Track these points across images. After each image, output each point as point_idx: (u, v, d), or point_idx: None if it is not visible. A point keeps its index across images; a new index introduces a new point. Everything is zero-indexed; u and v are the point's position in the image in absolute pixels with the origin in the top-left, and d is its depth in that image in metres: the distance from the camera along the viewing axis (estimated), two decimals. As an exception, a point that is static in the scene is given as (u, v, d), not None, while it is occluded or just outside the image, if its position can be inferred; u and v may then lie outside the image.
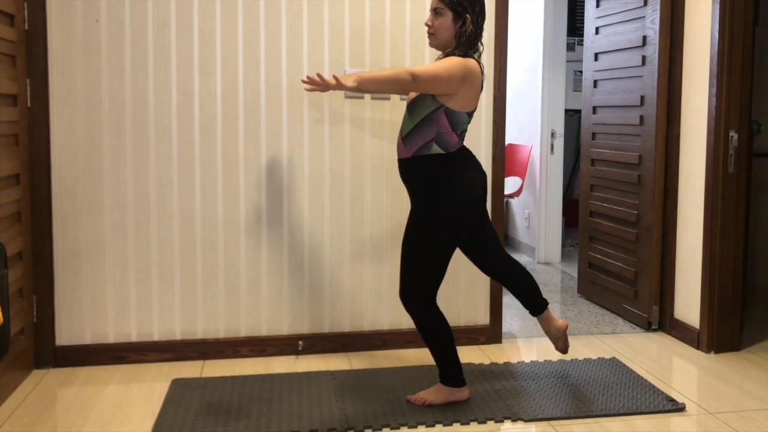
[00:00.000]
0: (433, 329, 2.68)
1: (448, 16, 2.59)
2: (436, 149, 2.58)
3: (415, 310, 2.66)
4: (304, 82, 2.44)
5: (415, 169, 2.62)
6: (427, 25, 2.64)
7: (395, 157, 3.33)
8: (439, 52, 2.72)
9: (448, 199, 2.59)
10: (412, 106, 2.61)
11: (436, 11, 2.61)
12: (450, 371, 2.74)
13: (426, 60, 3.33)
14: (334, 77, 2.36)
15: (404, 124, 2.64)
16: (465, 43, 2.60)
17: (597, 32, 4.27)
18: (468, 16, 2.58)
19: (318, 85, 2.40)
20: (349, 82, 2.35)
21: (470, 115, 2.64)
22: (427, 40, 2.69)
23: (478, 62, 2.63)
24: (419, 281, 2.64)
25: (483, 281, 3.49)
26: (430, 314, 2.67)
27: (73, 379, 3.04)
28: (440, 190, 2.58)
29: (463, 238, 2.69)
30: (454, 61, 2.53)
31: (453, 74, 2.50)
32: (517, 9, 5.61)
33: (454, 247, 2.66)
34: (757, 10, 3.84)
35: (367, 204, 3.37)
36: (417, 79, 2.45)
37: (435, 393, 2.75)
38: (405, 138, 2.62)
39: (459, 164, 2.62)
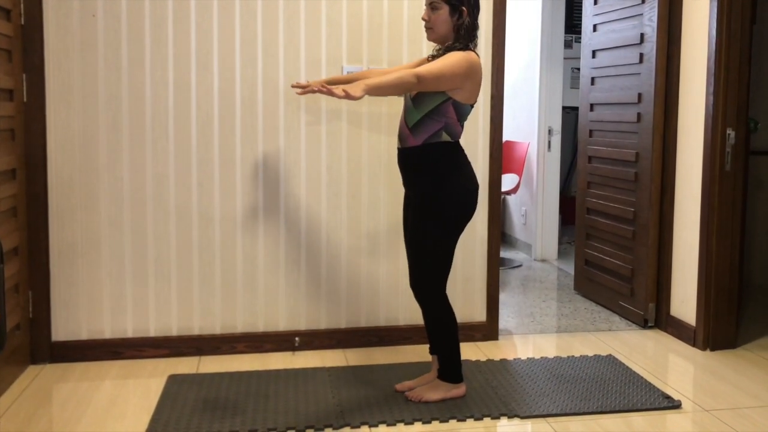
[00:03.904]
0: (444, 320, 2.71)
1: (445, 9, 2.59)
2: (445, 137, 2.62)
3: (429, 299, 2.69)
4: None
5: (424, 156, 2.62)
6: (424, 19, 2.65)
7: (392, 152, 3.33)
8: (437, 45, 2.72)
9: (459, 184, 2.62)
10: (418, 98, 2.60)
11: (432, 5, 2.61)
12: (452, 367, 2.75)
13: (423, 55, 3.32)
14: (343, 89, 2.34)
15: (409, 114, 2.63)
16: (464, 36, 2.61)
17: (595, 29, 4.27)
18: (464, 8, 2.59)
19: (325, 94, 2.36)
20: (358, 92, 2.33)
21: (472, 106, 2.68)
22: (425, 35, 2.69)
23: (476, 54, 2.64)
24: (434, 269, 2.66)
25: (479, 278, 3.50)
26: (443, 304, 2.70)
27: (69, 374, 3.03)
28: (451, 176, 2.62)
29: (465, 225, 2.71)
30: (456, 57, 2.54)
31: (456, 71, 2.52)
32: (514, 6, 5.60)
33: (460, 233, 2.69)
34: (755, 8, 3.85)
35: (364, 201, 3.37)
36: (422, 80, 2.46)
37: (433, 390, 2.76)
38: (412, 128, 2.62)
39: (463, 153, 2.68)
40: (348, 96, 2.27)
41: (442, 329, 2.72)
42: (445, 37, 2.63)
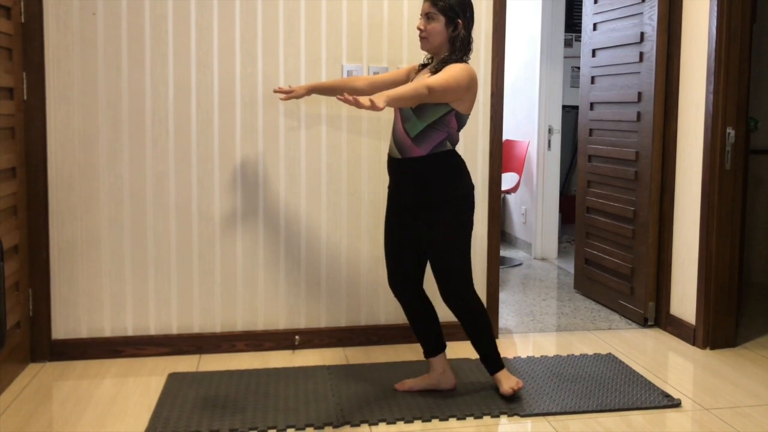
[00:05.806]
0: (483, 318, 2.74)
1: (441, 21, 2.61)
2: (448, 146, 2.66)
3: (467, 299, 2.71)
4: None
5: (431, 165, 2.64)
6: (419, 29, 2.66)
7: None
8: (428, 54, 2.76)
9: (465, 186, 2.67)
10: (421, 109, 2.60)
11: (428, 16, 2.63)
12: (497, 354, 2.79)
13: (422, 56, 3.32)
14: (369, 99, 2.32)
15: (411, 124, 2.63)
16: (461, 48, 2.64)
17: (595, 28, 4.27)
18: (460, 21, 2.62)
19: (351, 104, 2.36)
20: (381, 104, 2.34)
21: (468, 116, 2.72)
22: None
23: None
24: (465, 273, 2.70)
25: (479, 277, 3.50)
26: (478, 299, 2.74)
27: (69, 372, 3.04)
28: (458, 180, 2.66)
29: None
30: (459, 70, 2.56)
31: (461, 83, 2.55)
32: (514, 5, 5.60)
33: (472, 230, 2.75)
34: (755, 7, 3.84)
35: (364, 198, 3.37)
36: (432, 91, 2.49)
37: (508, 378, 2.78)
38: (415, 138, 2.63)
39: (462, 159, 2.73)
40: (373, 107, 2.27)
41: (483, 328, 2.74)
42: (439, 48, 2.66)
